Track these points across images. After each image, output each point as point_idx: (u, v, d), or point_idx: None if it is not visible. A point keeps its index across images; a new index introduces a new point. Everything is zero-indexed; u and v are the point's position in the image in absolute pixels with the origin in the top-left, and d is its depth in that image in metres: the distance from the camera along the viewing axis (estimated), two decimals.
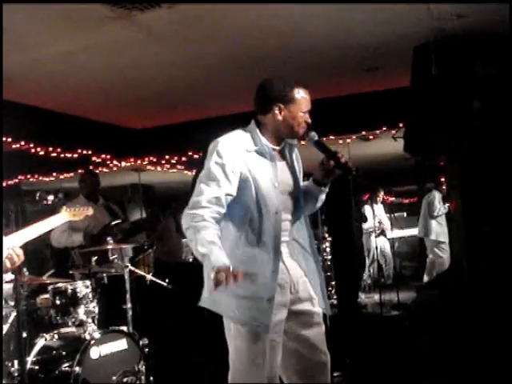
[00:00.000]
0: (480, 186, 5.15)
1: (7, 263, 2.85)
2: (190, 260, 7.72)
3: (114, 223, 5.51)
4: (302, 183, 2.90)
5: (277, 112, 2.70)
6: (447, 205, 8.61)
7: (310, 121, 2.75)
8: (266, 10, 4.22)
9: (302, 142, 2.91)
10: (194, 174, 9.11)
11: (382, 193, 10.18)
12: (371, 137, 7.31)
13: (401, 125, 6.16)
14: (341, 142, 7.30)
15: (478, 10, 4.25)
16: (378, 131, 6.79)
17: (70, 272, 4.84)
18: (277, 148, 2.80)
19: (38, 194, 3.61)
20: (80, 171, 6.88)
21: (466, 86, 4.60)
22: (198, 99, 6.54)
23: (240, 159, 2.65)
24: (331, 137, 6.79)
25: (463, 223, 5.53)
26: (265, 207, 2.64)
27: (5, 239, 2.91)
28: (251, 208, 2.65)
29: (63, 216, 3.51)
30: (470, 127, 4.62)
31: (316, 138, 2.75)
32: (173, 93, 6.32)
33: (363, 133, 7.02)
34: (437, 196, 8.82)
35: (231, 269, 2.41)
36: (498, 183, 4.95)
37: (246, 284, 2.55)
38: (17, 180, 8.56)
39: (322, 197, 2.91)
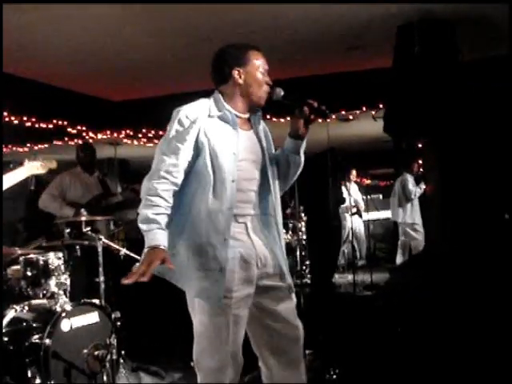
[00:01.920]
0: (458, 167, 5.16)
1: None
2: None
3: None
4: (272, 153, 2.85)
5: (236, 76, 2.69)
6: (422, 186, 8.64)
7: (270, 82, 2.74)
8: None
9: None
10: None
11: (354, 172, 10.21)
12: (351, 117, 7.27)
13: (381, 105, 6.13)
14: (320, 121, 7.24)
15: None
16: (357, 111, 6.76)
17: (43, 244, 4.76)
18: (242, 116, 2.77)
19: (11, 166, 3.53)
20: (77, 142, 6.88)
21: (449, 68, 4.58)
22: (177, 73, 6.46)
23: (200, 125, 2.61)
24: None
25: (440, 205, 5.55)
26: (220, 174, 2.59)
27: None
28: (206, 175, 2.60)
29: (26, 169, 3.46)
30: (449, 109, 4.60)
31: (282, 92, 2.73)
32: (151, 65, 6.23)
33: (343, 113, 6.97)
34: (409, 179, 8.81)
35: (163, 253, 2.45)
36: (476, 165, 4.97)
37: (198, 255, 2.56)
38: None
39: (301, 157, 2.85)
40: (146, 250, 2.48)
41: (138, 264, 2.51)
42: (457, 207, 5.22)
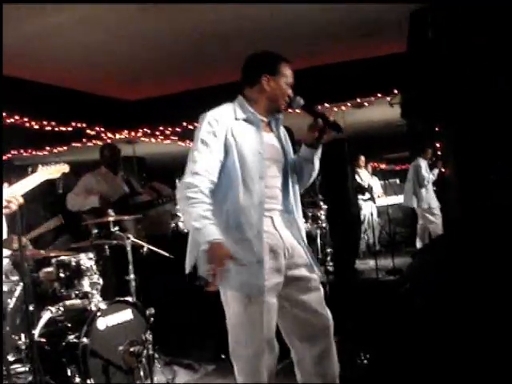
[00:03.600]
0: (475, 151, 5.17)
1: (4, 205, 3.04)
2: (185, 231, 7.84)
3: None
4: (292, 156, 3.00)
5: (264, 83, 2.84)
6: (436, 171, 8.62)
7: (292, 94, 2.88)
8: None
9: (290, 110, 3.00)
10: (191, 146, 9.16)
11: (362, 158, 10.24)
12: (366, 104, 7.30)
13: (395, 91, 6.16)
14: (336, 109, 7.30)
15: None
16: (372, 98, 6.79)
17: (72, 245, 4.85)
18: (264, 119, 2.91)
19: (29, 169, 3.60)
20: (101, 143, 6.96)
21: (463, 52, 4.59)
22: (191, 69, 6.52)
23: (227, 127, 2.75)
24: (326, 104, 6.80)
25: (458, 188, 5.57)
26: (248, 172, 2.74)
27: None
28: (235, 174, 2.73)
29: (40, 174, 3.54)
30: (466, 93, 4.62)
31: (302, 101, 2.88)
32: (165, 63, 6.29)
33: (358, 100, 7.02)
34: (422, 164, 8.75)
35: (223, 245, 2.55)
36: (493, 148, 4.97)
37: (234, 250, 2.63)
38: (9, 155, 8.52)
39: (315, 165, 3.00)
40: (206, 246, 2.56)
41: (203, 265, 2.64)
42: (474, 191, 5.23)
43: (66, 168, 3.74)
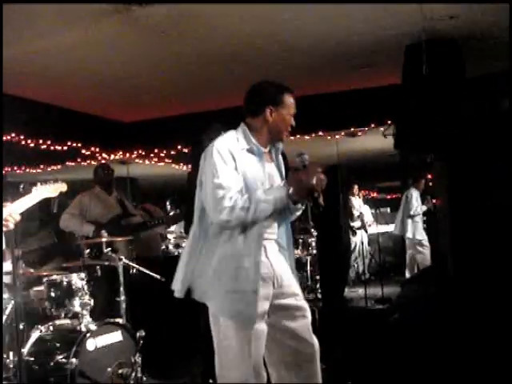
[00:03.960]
0: (466, 183, 5.25)
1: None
2: (176, 253, 7.85)
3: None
4: None
5: (268, 114, 2.87)
6: (424, 206, 8.69)
7: (294, 124, 2.93)
8: (258, 10, 4.28)
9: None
10: (187, 170, 9.20)
11: (356, 187, 10.33)
12: (359, 133, 7.39)
13: (389, 122, 6.24)
14: (329, 138, 7.38)
15: (471, 10, 4.33)
16: (366, 128, 6.87)
17: (64, 265, 4.86)
18: (265, 150, 2.95)
19: (21, 186, 3.62)
20: (95, 163, 7.00)
21: (457, 87, 4.69)
22: (188, 93, 6.57)
23: (234, 156, 2.78)
24: (320, 133, 6.87)
25: (449, 219, 5.63)
26: None
27: None
28: None
29: (39, 192, 3.57)
30: (459, 126, 4.71)
31: (307, 162, 2.85)
32: (162, 87, 6.33)
33: (352, 129, 7.10)
34: (414, 194, 8.84)
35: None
36: (485, 180, 5.05)
37: (230, 279, 2.70)
38: (3, 172, 8.52)
39: (291, 217, 3.04)
40: (286, 191, 2.71)
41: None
42: (465, 223, 5.29)
43: (64, 187, 3.78)
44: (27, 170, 8.61)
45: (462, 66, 4.76)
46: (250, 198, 2.67)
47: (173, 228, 8.80)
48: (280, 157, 3.04)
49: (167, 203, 9.18)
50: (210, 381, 4.63)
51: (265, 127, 2.90)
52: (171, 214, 8.21)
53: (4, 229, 3.12)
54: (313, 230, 7.28)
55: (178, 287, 2.86)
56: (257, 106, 2.90)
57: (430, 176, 8.40)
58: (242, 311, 2.70)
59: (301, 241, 7.32)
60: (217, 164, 2.72)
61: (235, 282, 2.69)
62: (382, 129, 6.38)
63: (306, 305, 2.96)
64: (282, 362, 2.89)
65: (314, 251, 7.26)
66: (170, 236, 8.28)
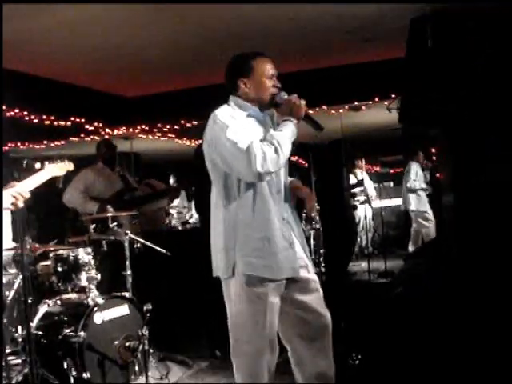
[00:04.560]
0: (470, 157, 5.24)
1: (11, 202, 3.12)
2: (179, 228, 7.91)
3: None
4: None
5: (242, 86, 2.85)
6: (423, 184, 8.71)
7: (278, 84, 2.89)
8: None
9: None
10: (190, 145, 9.21)
11: (363, 160, 10.31)
12: (363, 107, 7.38)
13: (393, 96, 6.22)
14: (333, 111, 7.37)
15: None
16: (370, 102, 6.86)
17: (70, 240, 4.90)
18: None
19: (24, 162, 3.64)
20: (99, 138, 7.05)
21: (461, 60, 4.67)
22: (191, 68, 6.55)
23: (238, 120, 2.77)
24: (324, 107, 6.86)
25: (452, 194, 5.63)
26: None
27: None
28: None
29: (46, 171, 3.60)
30: (463, 99, 4.69)
31: (286, 96, 2.86)
32: (166, 61, 6.32)
33: (356, 103, 7.09)
34: (413, 167, 8.85)
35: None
36: (488, 156, 5.04)
37: (268, 240, 2.74)
38: (7, 148, 8.53)
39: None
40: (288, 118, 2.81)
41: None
42: (470, 196, 5.30)
43: (71, 166, 3.81)
44: (30, 146, 8.62)
45: (467, 40, 4.73)
46: (268, 140, 2.67)
47: (176, 203, 8.84)
48: (275, 122, 2.99)
49: (170, 178, 9.21)
50: (217, 352, 4.70)
51: (248, 98, 2.86)
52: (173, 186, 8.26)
53: (13, 207, 3.15)
54: (316, 204, 7.29)
55: (221, 269, 2.83)
56: (231, 81, 2.88)
57: (433, 150, 8.40)
58: (293, 266, 2.80)
59: (304, 215, 7.33)
60: (226, 123, 2.72)
61: (272, 242, 2.75)
62: (386, 103, 6.36)
63: (316, 277, 2.97)
64: (294, 334, 2.92)
65: (318, 225, 7.27)
66: (172, 211, 8.32)
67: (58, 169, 3.68)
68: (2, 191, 3.15)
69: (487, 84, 4.57)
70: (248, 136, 2.67)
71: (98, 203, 5.46)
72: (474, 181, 5.13)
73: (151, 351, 4.42)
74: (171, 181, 9.14)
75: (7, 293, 4.03)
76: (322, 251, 7.13)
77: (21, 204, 3.15)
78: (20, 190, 3.17)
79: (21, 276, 3.91)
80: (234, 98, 2.89)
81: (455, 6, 4.53)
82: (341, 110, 7.49)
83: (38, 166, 3.69)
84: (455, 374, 3.74)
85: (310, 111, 2.91)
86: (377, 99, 6.69)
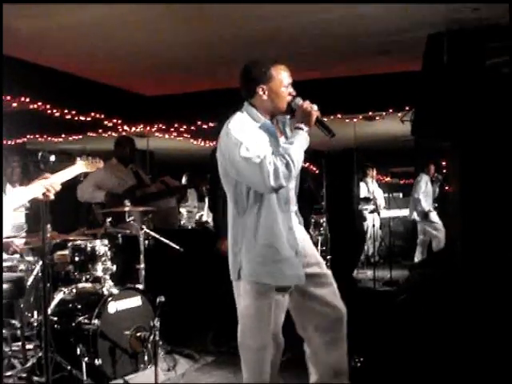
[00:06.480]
0: (480, 171, 5.34)
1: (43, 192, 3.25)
2: (189, 227, 8.02)
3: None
4: None
5: (261, 93, 2.91)
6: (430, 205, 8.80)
7: (294, 92, 2.97)
8: None
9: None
10: (205, 145, 9.30)
11: (374, 170, 10.40)
12: (377, 118, 7.50)
13: (407, 108, 6.34)
14: (347, 120, 7.50)
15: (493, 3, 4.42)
16: (384, 113, 6.98)
17: (86, 232, 5.03)
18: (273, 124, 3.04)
19: (40, 154, 3.74)
20: (116, 135, 7.22)
21: (476, 77, 4.79)
22: (211, 70, 6.67)
23: (251, 132, 2.88)
24: (338, 115, 6.98)
25: (460, 206, 5.73)
26: None
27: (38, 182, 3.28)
28: None
29: (78, 167, 3.73)
30: (476, 115, 4.81)
31: (300, 102, 2.94)
32: (187, 62, 6.44)
33: (370, 113, 7.21)
34: (422, 178, 8.96)
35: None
36: (499, 169, 5.14)
37: (272, 248, 2.86)
38: (25, 139, 8.70)
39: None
40: (300, 125, 2.90)
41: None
42: (478, 210, 5.39)
43: (101, 164, 3.92)
44: (48, 139, 8.79)
45: (482, 57, 4.85)
46: (280, 155, 2.76)
47: (188, 202, 8.95)
48: (288, 129, 3.08)
49: (183, 178, 9.32)
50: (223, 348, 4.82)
51: (263, 105, 2.94)
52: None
53: (45, 198, 3.27)
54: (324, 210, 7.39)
55: (231, 271, 2.99)
56: (249, 88, 2.94)
57: (444, 163, 8.51)
58: (298, 274, 2.90)
59: (312, 221, 7.43)
60: (239, 139, 2.79)
61: (279, 252, 2.87)
62: (399, 114, 6.48)
63: (329, 272, 3.10)
64: (312, 326, 3.04)
65: (326, 231, 7.37)
66: (183, 210, 8.43)
67: (88, 165, 3.80)
68: (1, 188, 3.28)
69: (499, 101, 4.68)
70: (260, 150, 2.77)
71: (104, 191, 5.58)
72: (484, 193, 5.22)
73: (160, 343, 4.54)
74: (183, 180, 9.25)
75: (27, 278, 4.18)
76: (328, 257, 7.26)
77: (52, 196, 3.28)
78: (53, 183, 3.29)
79: (40, 263, 4.06)
80: (248, 108, 2.96)
81: (471, 25, 4.65)
82: (355, 119, 7.62)
83: (52, 158, 3.79)
84: (458, 381, 3.83)
85: (325, 118, 3.01)
86: (391, 110, 6.81)
